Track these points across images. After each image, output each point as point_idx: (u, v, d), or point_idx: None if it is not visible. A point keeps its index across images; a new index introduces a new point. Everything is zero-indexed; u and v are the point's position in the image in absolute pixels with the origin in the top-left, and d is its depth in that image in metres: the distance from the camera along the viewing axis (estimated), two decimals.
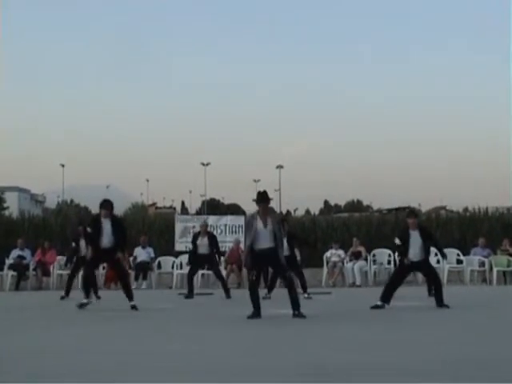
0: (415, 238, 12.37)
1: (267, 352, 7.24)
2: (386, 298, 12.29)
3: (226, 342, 8.23)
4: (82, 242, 16.49)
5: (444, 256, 13.43)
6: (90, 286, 12.99)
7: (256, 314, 10.75)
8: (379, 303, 12.20)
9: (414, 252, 12.35)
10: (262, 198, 11.04)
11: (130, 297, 12.68)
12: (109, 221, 12.67)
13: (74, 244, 16.93)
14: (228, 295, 15.83)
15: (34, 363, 6.63)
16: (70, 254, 17.53)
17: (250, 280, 11.20)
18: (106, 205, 12.82)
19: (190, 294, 15.95)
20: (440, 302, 12.20)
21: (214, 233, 22.01)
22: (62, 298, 15.99)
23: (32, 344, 8.14)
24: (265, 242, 10.86)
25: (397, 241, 12.61)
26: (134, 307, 12.48)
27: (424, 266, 12.58)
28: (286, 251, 13.12)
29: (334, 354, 7.09)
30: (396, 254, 13.26)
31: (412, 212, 12.73)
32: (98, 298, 14.87)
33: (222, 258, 20.61)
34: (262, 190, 11.32)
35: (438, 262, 20.68)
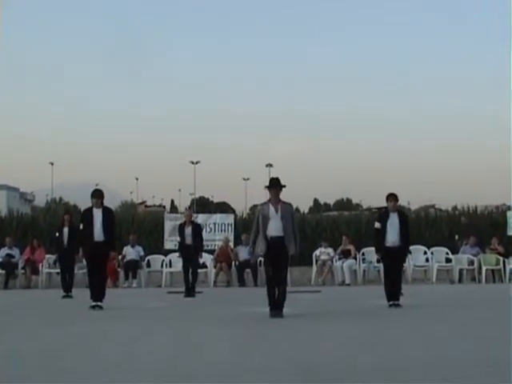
0: (393, 221, 12.28)
1: (258, 351, 7.22)
2: (390, 296, 12.27)
3: (218, 341, 8.21)
4: (65, 230, 16.39)
5: (408, 251, 13.22)
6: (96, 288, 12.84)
7: (273, 313, 10.50)
8: (391, 303, 12.15)
9: (392, 237, 12.23)
10: (274, 183, 10.91)
11: (101, 297, 12.49)
12: (100, 211, 12.61)
13: (57, 234, 16.77)
14: (189, 294, 15.69)
15: (19, 363, 6.59)
16: (54, 244, 17.36)
17: (267, 276, 10.98)
18: (98, 194, 12.73)
19: (187, 292, 15.83)
20: (395, 298, 12.19)
21: (204, 231, 21.98)
22: (64, 296, 15.90)
23: (18, 344, 8.09)
24: (275, 230, 10.69)
25: (377, 225, 12.51)
26: (97, 307, 12.33)
27: (399, 256, 12.43)
28: None
29: (324, 352, 7.09)
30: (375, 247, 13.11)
31: (392, 194, 12.57)
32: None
33: (211, 257, 20.58)
34: (274, 176, 11.14)
35: (427, 260, 20.76)
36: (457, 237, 21.39)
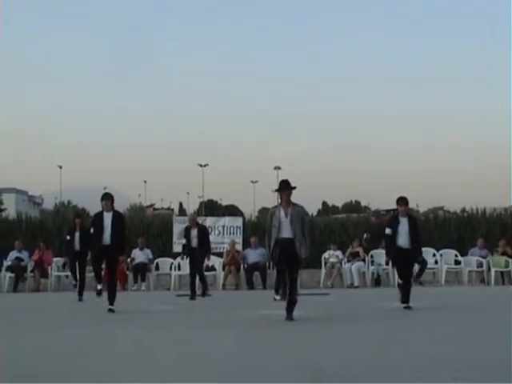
0: (403, 225, 12.27)
1: (265, 353, 7.23)
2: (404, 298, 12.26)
3: (224, 343, 8.21)
4: (77, 235, 16.45)
5: (420, 255, 13.12)
6: (100, 275, 12.96)
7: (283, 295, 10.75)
8: (404, 305, 12.14)
9: (403, 239, 12.24)
10: (284, 186, 10.81)
11: (111, 300, 12.50)
12: (110, 215, 12.61)
13: (68, 237, 16.83)
14: (194, 297, 15.78)
15: (29, 364, 6.61)
16: (65, 247, 17.46)
17: (278, 269, 11.15)
18: (108, 197, 12.77)
19: (192, 295, 15.91)
20: (406, 300, 12.18)
21: (212, 234, 21.94)
22: (75, 285, 16.54)
23: (27, 345, 8.13)
24: (285, 232, 10.62)
25: (387, 230, 12.49)
26: (111, 310, 12.36)
27: (411, 258, 12.40)
28: None
29: (331, 354, 7.09)
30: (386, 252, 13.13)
31: (402, 198, 12.52)
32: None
33: (220, 260, 20.57)
34: (284, 178, 11.05)
35: (436, 262, 20.71)
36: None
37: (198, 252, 16.20)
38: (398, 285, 12.46)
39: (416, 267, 13.04)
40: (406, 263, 12.41)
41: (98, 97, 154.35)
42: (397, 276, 13.00)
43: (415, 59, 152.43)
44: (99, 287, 13.47)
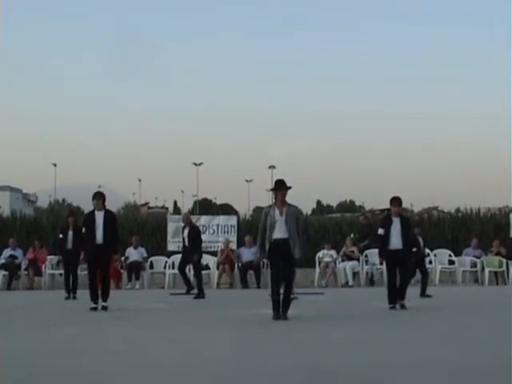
0: (396, 225, 12.31)
1: (260, 352, 7.22)
2: (392, 299, 12.20)
3: (218, 342, 8.20)
4: (70, 233, 16.39)
5: (410, 256, 13.16)
6: (96, 290, 12.74)
7: (276, 315, 10.40)
8: (391, 305, 12.14)
9: (395, 240, 12.27)
10: (279, 186, 10.76)
11: (105, 297, 12.54)
12: (102, 214, 12.57)
13: (61, 235, 16.76)
14: (199, 295, 15.73)
15: (23, 364, 6.59)
16: (58, 245, 17.35)
17: (272, 277, 10.81)
18: (99, 196, 12.72)
19: (188, 290, 16.07)
20: (401, 296, 12.23)
21: (207, 233, 22.01)
22: (67, 298, 16.04)
23: (21, 344, 8.11)
24: (278, 233, 10.57)
25: (380, 231, 12.52)
26: (104, 308, 12.40)
27: (404, 259, 12.41)
28: None
29: (326, 354, 7.08)
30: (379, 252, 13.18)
31: (396, 199, 12.53)
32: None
33: (214, 258, 20.57)
34: (280, 178, 10.98)
35: (430, 262, 20.73)
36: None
37: (190, 250, 16.33)
38: (389, 292, 12.36)
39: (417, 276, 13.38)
40: (399, 265, 12.43)
41: (97, 97, 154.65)
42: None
43: (415, 59, 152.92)
44: (94, 306, 12.44)
